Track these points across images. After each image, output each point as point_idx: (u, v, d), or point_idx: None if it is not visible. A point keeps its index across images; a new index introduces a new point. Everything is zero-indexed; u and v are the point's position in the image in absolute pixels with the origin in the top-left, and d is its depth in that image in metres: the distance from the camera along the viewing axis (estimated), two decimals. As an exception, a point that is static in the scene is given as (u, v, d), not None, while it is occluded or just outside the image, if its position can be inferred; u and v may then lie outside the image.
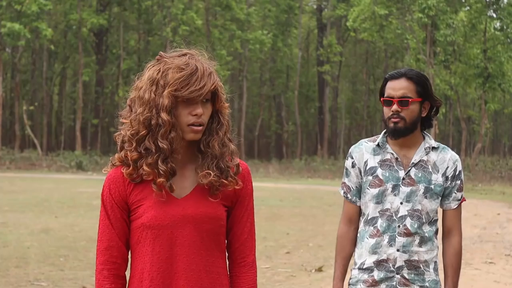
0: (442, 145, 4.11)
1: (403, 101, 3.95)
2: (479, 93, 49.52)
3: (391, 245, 3.96)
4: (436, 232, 4.07)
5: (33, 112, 60.70)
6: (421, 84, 3.96)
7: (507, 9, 44.77)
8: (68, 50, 60.67)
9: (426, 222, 3.99)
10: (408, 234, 3.96)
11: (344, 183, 4.13)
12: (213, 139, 2.99)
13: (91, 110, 62.80)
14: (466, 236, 16.37)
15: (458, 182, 4.08)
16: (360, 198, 4.08)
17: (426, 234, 3.99)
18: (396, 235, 3.96)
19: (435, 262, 4.08)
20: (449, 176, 4.04)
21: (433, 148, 4.06)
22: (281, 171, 48.78)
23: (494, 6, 46.31)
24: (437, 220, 4.07)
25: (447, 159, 4.05)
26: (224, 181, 2.99)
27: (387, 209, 3.97)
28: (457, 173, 4.07)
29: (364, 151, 4.07)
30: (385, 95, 4.00)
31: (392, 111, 3.96)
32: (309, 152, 66.49)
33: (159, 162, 2.90)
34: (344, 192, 4.12)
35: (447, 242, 4.12)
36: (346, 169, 4.12)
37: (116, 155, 2.99)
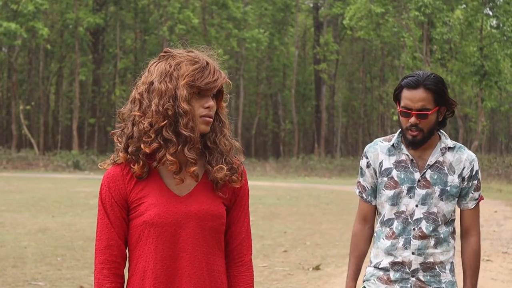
0: (458, 145, 4.02)
1: (422, 114, 3.85)
2: (475, 91, 49.54)
3: (406, 248, 3.93)
4: (453, 232, 4.05)
5: (30, 111, 60.64)
6: (439, 92, 3.88)
7: (503, 6, 44.78)
8: (64, 50, 60.61)
9: (442, 224, 3.98)
10: (423, 236, 3.93)
11: (359, 182, 4.11)
12: (219, 136, 3.03)
13: (88, 110, 62.77)
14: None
15: (475, 181, 4.05)
16: (375, 198, 4.06)
17: (442, 235, 3.98)
18: (411, 238, 3.93)
19: (451, 263, 4.09)
20: (466, 177, 3.99)
21: (449, 148, 3.99)
22: (278, 169, 48.81)
23: (491, 4, 46.31)
24: (454, 220, 4.04)
25: (463, 159, 3.98)
26: (233, 177, 3.03)
27: (402, 212, 3.94)
28: (473, 173, 4.03)
29: (379, 151, 4.01)
30: (402, 105, 3.87)
31: (411, 122, 3.85)
32: (306, 150, 66.48)
33: (186, 151, 2.91)
34: (359, 192, 4.10)
35: (465, 242, 4.13)
36: (361, 168, 4.08)
37: (121, 154, 2.96)
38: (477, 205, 4.09)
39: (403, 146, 3.96)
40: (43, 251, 12.69)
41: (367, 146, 4.07)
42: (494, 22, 47.50)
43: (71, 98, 63.66)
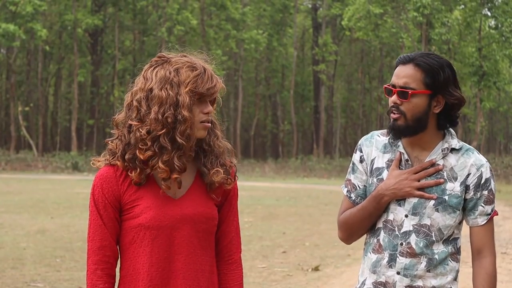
0: (467, 147, 3.35)
1: (402, 92, 3.23)
2: (474, 92, 49.61)
3: (390, 266, 3.28)
4: (456, 253, 3.37)
5: (29, 113, 60.62)
6: (431, 73, 3.22)
7: (502, 7, 44.84)
8: (63, 51, 60.60)
9: (437, 241, 3.28)
10: (412, 254, 3.26)
11: (348, 180, 3.45)
12: (213, 138, 3.06)
13: (87, 111, 62.76)
14: (462, 234, 16.39)
15: (485, 192, 3.30)
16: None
17: (436, 256, 3.27)
18: (398, 255, 3.27)
19: None
20: (471, 186, 3.29)
21: (453, 150, 3.32)
22: (277, 170, 48.80)
23: (489, 5, 46.38)
24: (457, 238, 3.38)
25: (469, 164, 3.30)
26: (228, 179, 3.07)
27: (389, 221, 3.30)
28: (482, 181, 3.30)
29: (374, 146, 3.40)
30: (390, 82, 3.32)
31: (391, 102, 3.27)
32: (305, 151, 66.48)
33: (176, 159, 2.91)
34: (347, 191, 3.44)
35: (477, 264, 3.39)
36: (353, 164, 3.46)
37: (119, 162, 2.95)
38: (490, 221, 3.37)
39: (400, 143, 3.33)
40: (42, 253, 12.68)
41: (362, 139, 3.47)
42: (492, 22, 47.58)
43: (69, 99, 63.65)
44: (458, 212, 3.29)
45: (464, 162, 3.29)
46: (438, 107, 3.26)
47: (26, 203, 22.05)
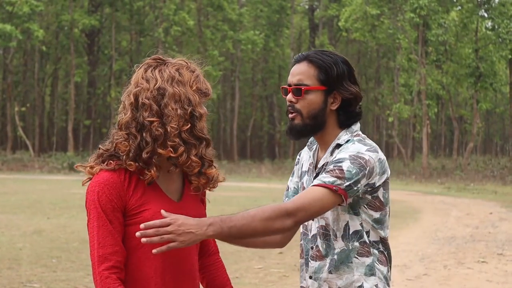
0: (353, 139, 3.18)
1: (296, 89, 3.16)
2: (471, 93, 49.64)
3: (306, 271, 3.27)
4: (365, 246, 3.16)
5: (25, 113, 60.58)
6: (325, 69, 3.16)
7: (499, 8, 44.90)
8: (60, 51, 60.58)
9: (335, 239, 3.17)
10: (320, 257, 3.20)
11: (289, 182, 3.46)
12: None
13: (83, 111, 62.74)
14: (458, 235, 16.41)
15: (331, 166, 3.05)
16: None
17: (336, 256, 3.15)
18: (310, 259, 3.25)
19: None
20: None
21: (338, 146, 3.19)
22: (273, 171, 48.82)
23: (486, 6, 46.45)
24: (359, 231, 3.15)
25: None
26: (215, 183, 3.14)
27: (305, 225, 3.31)
28: (336, 158, 3.09)
29: (308, 149, 3.37)
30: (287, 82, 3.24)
31: (287, 101, 3.19)
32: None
33: (206, 153, 2.99)
34: (285, 192, 3.46)
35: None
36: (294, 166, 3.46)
37: (133, 163, 2.91)
38: (320, 188, 2.99)
39: (315, 146, 3.31)
40: (38, 253, 12.67)
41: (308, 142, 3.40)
42: (489, 24, 47.64)
43: (66, 100, 63.60)
44: (344, 205, 3.10)
45: (338, 153, 3.13)
46: (335, 104, 3.18)
47: (22, 203, 22.03)
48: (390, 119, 50.72)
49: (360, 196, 3.11)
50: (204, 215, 3.09)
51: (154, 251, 2.80)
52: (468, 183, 38.00)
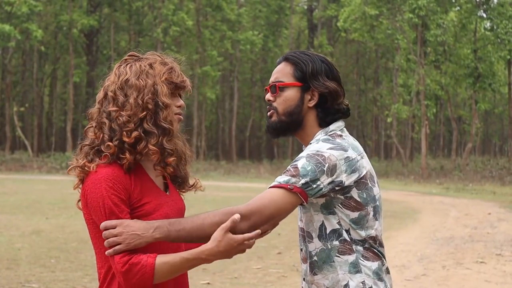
0: (319, 139, 3.13)
1: (272, 86, 3.17)
2: (469, 93, 49.67)
3: (302, 273, 3.27)
4: (344, 244, 3.10)
5: (24, 113, 60.56)
6: (300, 66, 3.15)
7: (497, 9, 44.90)
8: (58, 51, 60.57)
9: (313, 239, 3.14)
10: (304, 259, 3.21)
11: None
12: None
13: (82, 111, 62.64)
14: (457, 236, 16.41)
15: (289, 166, 3.04)
16: None
17: (316, 258, 3.13)
18: (301, 261, 3.25)
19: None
20: None
21: (310, 144, 3.16)
22: (272, 171, 48.79)
23: (484, 6, 46.45)
24: (337, 230, 3.10)
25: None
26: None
27: (298, 228, 3.32)
28: (294, 159, 3.07)
29: None
30: None
31: (266, 100, 3.20)
32: (300, 152, 66.52)
33: (165, 143, 3.00)
34: None
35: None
36: None
37: (111, 144, 2.95)
38: (276, 190, 2.98)
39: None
40: (37, 253, 12.67)
41: None
42: (488, 24, 47.64)
43: (65, 100, 63.61)
44: (315, 202, 3.09)
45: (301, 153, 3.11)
46: (312, 101, 3.15)
47: (21, 203, 22.03)
48: (389, 120, 50.75)
49: (332, 195, 3.05)
50: (184, 207, 3.18)
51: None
52: (467, 183, 38.00)
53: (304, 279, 3.22)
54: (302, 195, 2.96)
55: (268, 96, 3.18)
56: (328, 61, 3.23)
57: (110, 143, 2.96)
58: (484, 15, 47.33)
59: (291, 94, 3.14)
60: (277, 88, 3.14)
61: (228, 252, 2.88)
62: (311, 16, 66.01)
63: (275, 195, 2.96)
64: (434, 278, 11.15)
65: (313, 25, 65.44)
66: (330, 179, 3.00)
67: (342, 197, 3.07)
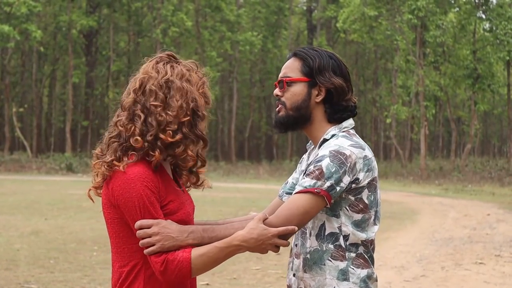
0: (338, 134, 3.14)
1: (280, 81, 3.24)
2: (468, 94, 49.67)
3: (291, 268, 3.26)
4: (339, 250, 3.10)
5: (23, 114, 60.54)
6: (308, 61, 3.18)
7: (496, 10, 44.91)
8: (57, 52, 60.52)
9: (310, 237, 3.15)
10: (298, 255, 3.21)
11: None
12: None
13: (81, 112, 62.70)
14: (456, 237, 16.41)
15: (312, 167, 3.04)
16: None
17: (308, 256, 3.13)
18: (294, 256, 3.25)
19: None
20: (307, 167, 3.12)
21: (324, 141, 3.16)
22: (271, 172, 48.81)
23: (484, 7, 46.45)
24: (336, 234, 3.10)
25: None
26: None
27: None
28: (317, 157, 3.07)
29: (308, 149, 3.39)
30: None
31: (275, 95, 3.28)
32: (300, 153, 66.45)
33: (200, 151, 3.08)
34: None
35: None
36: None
37: (139, 139, 2.95)
38: (302, 195, 3.00)
39: (311, 144, 3.31)
40: (35, 254, 12.66)
41: None
42: (487, 25, 47.64)
43: (64, 101, 63.58)
44: (328, 206, 3.06)
45: (321, 150, 3.11)
46: (319, 96, 3.18)
47: (20, 204, 22.02)
48: (388, 121, 50.75)
49: (343, 195, 3.06)
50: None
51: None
52: (466, 184, 38.00)
53: (294, 274, 3.22)
54: (327, 198, 3.00)
55: (276, 91, 3.24)
56: (336, 57, 3.26)
57: (138, 138, 2.95)
58: (483, 16, 47.32)
59: (298, 89, 3.18)
60: (285, 83, 3.20)
61: (261, 241, 2.93)
62: (310, 17, 66.01)
63: (303, 201, 2.98)
64: (433, 279, 11.15)
65: (312, 26, 65.44)
66: (350, 178, 3.04)
67: (352, 198, 3.09)
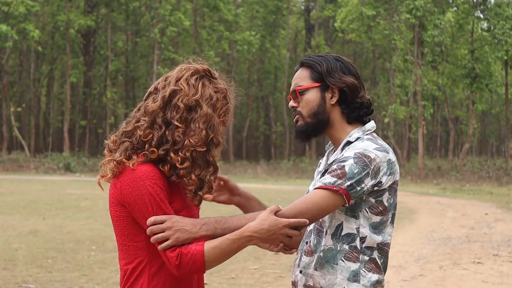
0: (363, 137, 3.19)
1: (293, 92, 3.25)
2: (466, 94, 49.71)
3: (298, 265, 3.26)
4: (354, 252, 3.12)
5: (21, 113, 60.49)
6: (315, 66, 3.22)
7: (494, 9, 44.93)
8: (55, 52, 60.50)
9: (326, 235, 3.16)
10: (309, 252, 3.21)
11: None
12: None
13: (79, 112, 62.66)
14: (454, 236, 16.42)
15: (335, 166, 3.08)
16: None
17: (321, 254, 3.15)
18: (303, 254, 3.25)
19: None
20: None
21: (348, 143, 3.20)
22: (269, 172, 48.80)
23: (482, 7, 46.47)
24: (352, 235, 3.12)
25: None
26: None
27: None
28: (341, 157, 3.13)
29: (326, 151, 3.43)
30: None
31: (290, 107, 3.27)
32: (297, 153, 66.49)
33: (210, 178, 3.05)
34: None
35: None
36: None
37: (155, 150, 2.98)
38: (322, 191, 3.03)
39: (332, 147, 3.35)
40: (34, 254, 12.66)
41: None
42: (485, 25, 47.70)
43: (62, 100, 63.54)
44: (347, 205, 3.08)
45: (345, 151, 3.14)
46: (334, 98, 3.21)
47: (18, 204, 22.00)
48: (386, 120, 50.76)
49: (364, 197, 3.10)
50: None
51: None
52: (464, 184, 38.02)
53: (301, 271, 3.23)
54: (346, 196, 3.02)
55: (291, 103, 3.24)
56: (342, 59, 3.29)
57: (155, 149, 2.98)
58: (481, 16, 47.36)
59: (311, 96, 3.20)
60: (298, 93, 3.22)
61: (272, 232, 2.93)
62: (308, 17, 65.99)
63: (319, 197, 3.02)
64: (431, 278, 11.16)
65: (310, 26, 65.42)
66: (372, 181, 3.08)
67: (373, 200, 3.13)
